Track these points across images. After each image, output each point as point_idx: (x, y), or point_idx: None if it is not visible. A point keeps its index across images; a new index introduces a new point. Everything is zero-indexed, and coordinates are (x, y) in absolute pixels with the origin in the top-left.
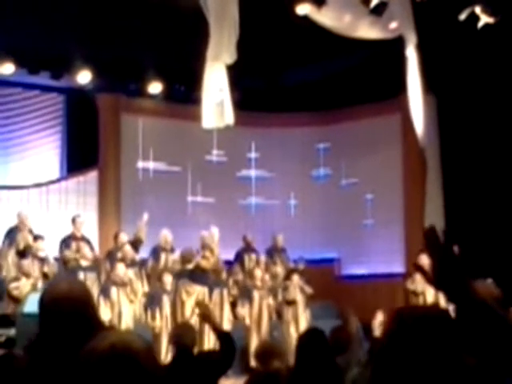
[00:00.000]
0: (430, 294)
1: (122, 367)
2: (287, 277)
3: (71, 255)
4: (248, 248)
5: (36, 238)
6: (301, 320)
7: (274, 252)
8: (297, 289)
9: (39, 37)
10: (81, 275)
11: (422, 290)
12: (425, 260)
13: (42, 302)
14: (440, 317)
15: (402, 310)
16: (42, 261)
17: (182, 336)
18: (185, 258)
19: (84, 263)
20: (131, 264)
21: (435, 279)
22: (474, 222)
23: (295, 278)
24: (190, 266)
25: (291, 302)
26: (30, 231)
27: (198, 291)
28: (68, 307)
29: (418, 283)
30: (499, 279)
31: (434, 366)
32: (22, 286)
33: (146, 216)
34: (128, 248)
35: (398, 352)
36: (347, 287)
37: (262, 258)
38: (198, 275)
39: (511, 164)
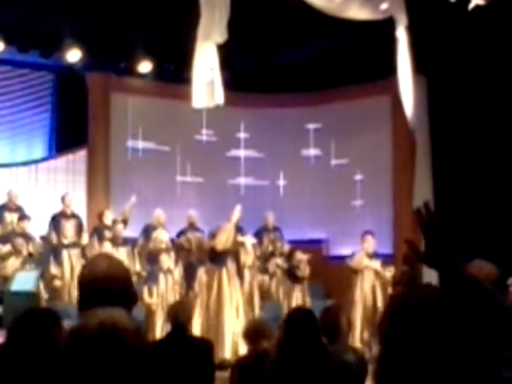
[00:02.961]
0: (370, 273)
1: (109, 345)
2: (290, 255)
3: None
4: None
5: (21, 217)
6: (307, 297)
7: (263, 232)
8: (306, 266)
9: (29, 15)
10: (64, 252)
11: (361, 269)
12: (370, 240)
13: (82, 281)
14: (439, 295)
15: (397, 297)
16: (28, 240)
17: (178, 313)
18: (211, 234)
19: (65, 241)
20: (123, 243)
21: (426, 257)
22: (463, 203)
23: (304, 256)
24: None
25: (301, 280)
26: (19, 210)
27: (215, 273)
28: (108, 285)
29: (358, 261)
30: (488, 259)
31: (443, 346)
32: None
33: (133, 198)
34: (120, 227)
35: (405, 338)
36: (335, 268)
37: None
38: (214, 257)
39: (501, 146)
